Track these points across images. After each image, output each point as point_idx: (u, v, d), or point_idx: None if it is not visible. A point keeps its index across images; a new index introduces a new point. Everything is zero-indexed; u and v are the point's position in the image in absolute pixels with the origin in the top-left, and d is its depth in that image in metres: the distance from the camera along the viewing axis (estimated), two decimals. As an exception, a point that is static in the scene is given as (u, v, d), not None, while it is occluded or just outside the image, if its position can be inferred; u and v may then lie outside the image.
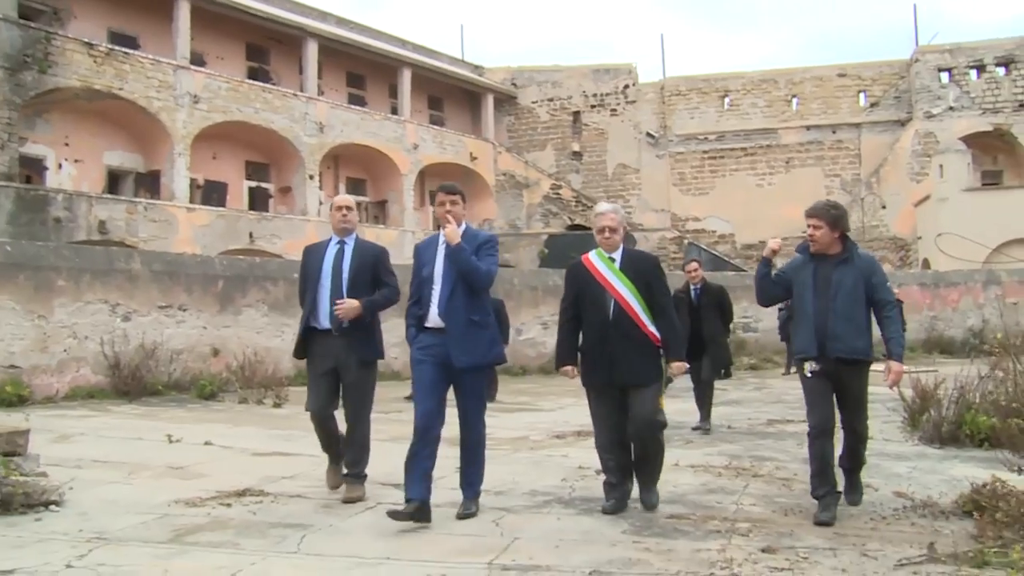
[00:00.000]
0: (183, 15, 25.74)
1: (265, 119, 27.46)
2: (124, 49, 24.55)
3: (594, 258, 5.21)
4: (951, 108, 33.41)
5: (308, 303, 5.62)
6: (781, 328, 17.06)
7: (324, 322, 5.52)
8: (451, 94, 36.69)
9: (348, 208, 5.77)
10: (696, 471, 6.50)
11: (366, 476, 5.57)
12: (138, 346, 11.99)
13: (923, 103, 33.66)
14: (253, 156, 29.03)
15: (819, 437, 5.02)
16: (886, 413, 8.89)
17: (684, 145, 36.60)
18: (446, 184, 5.31)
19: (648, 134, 36.78)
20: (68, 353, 11.62)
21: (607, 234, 5.15)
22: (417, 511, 4.64)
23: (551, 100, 37.51)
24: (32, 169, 23.30)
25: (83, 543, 4.37)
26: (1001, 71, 33.35)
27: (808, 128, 35.56)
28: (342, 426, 5.67)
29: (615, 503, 5.12)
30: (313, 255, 5.75)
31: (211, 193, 27.13)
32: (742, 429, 9.11)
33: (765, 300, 5.48)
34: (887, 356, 5.04)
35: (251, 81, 28.11)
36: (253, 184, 29.14)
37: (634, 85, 37.01)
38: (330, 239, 5.76)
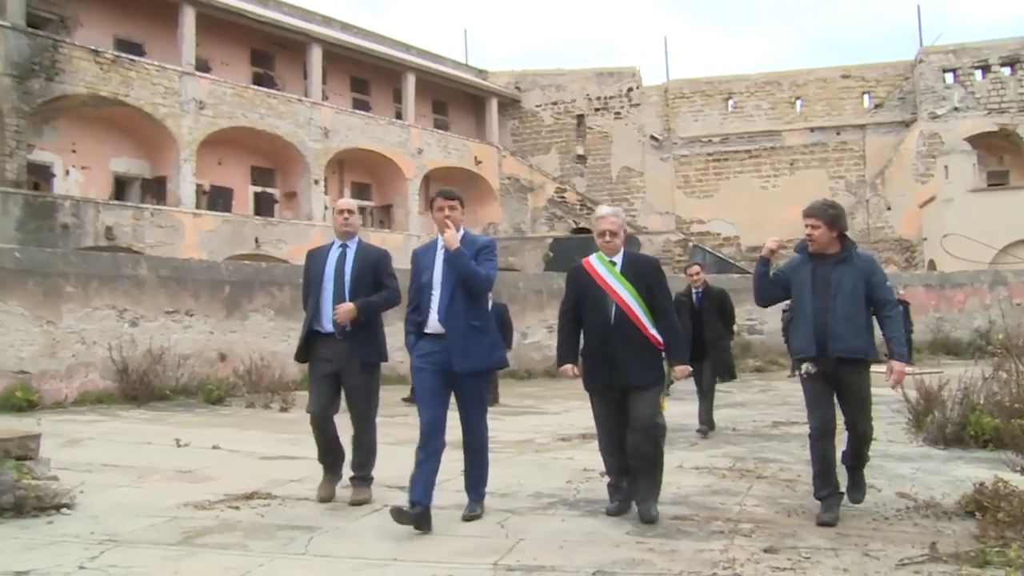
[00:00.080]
0: (188, 22, 25.87)
1: (270, 124, 27.58)
2: (130, 56, 24.69)
3: (595, 262, 5.21)
4: (956, 109, 33.37)
5: (311, 307, 5.65)
6: (785, 330, 17.07)
7: (327, 325, 5.53)
8: (455, 98, 36.78)
9: (350, 211, 5.78)
10: (700, 473, 6.54)
11: (372, 479, 5.63)
12: (146, 351, 12.09)
13: (928, 104, 33.64)
14: (258, 161, 29.14)
15: (820, 439, 5.03)
16: (890, 415, 8.93)
17: (688, 148, 36.63)
18: (444, 189, 5.30)
19: (652, 137, 36.82)
20: (77, 358, 11.72)
21: (608, 238, 5.14)
22: (418, 517, 4.66)
23: (555, 104, 37.57)
24: (40, 176, 23.44)
25: (94, 545, 4.44)
26: (1006, 71, 33.30)
27: (812, 130, 35.56)
28: (343, 436, 5.66)
29: (619, 504, 5.15)
30: (316, 259, 5.77)
31: (217, 199, 27.24)
32: (747, 431, 9.14)
33: (763, 300, 5.43)
34: (888, 356, 5.03)
35: (256, 87, 28.22)
36: (259, 189, 29.24)
37: (638, 88, 37.05)
38: (333, 243, 5.78)
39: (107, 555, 4.27)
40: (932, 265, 29.80)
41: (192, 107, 25.48)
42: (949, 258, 28.18)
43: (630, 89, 37.02)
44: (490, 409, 11.79)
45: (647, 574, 3.99)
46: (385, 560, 4.21)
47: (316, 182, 28.87)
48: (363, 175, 32.60)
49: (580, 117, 37.36)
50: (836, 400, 5.10)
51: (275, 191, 29.60)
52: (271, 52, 30.14)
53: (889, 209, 33.51)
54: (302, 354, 5.71)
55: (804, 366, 5.09)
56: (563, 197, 35.92)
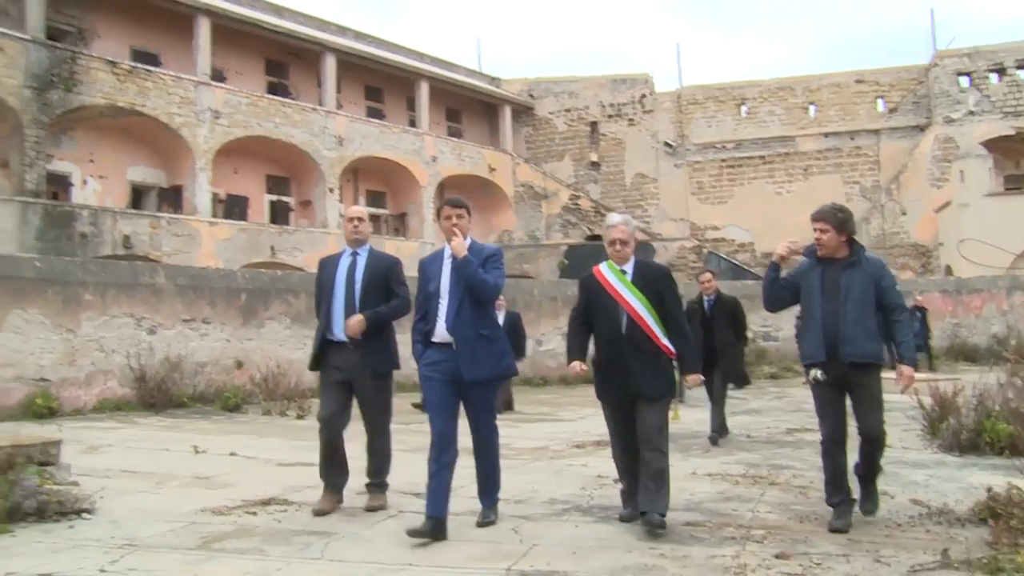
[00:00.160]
0: (203, 32, 26.13)
1: (285, 133, 27.78)
2: (146, 66, 24.98)
3: (605, 270, 5.18)
4: (971, 112, 33.24)
5: (323, 315, 5.65)
6: (798, 336, 17.02)
7: (338, 334, 5.53)
8: (469, 106, 36.92)
9: (360, 219, 5.77)
10: (713, 479, 6.56)
11: (388, 485, 5.67)
12: (163, 359, 12.21)
13: (942, 108, 33.52)
14: (274, 170, 29.36)
15: (831, 446, 5.03)
16: (906, 421, 8.92)
17: (702, 154, 36.63)
18: (451, 198, 5.32)
19: (666, 143, 36.85)
20: (95, 366, 11.84)
21: (618, 247, 5.11)
22: (433, 529, 4.69)
23: (568, 111, 37.66)
24: (58, 186, 23.72)
25: (115, 549, 4.52)
26: (1022, 74, 33.14)
27: (826, 135, 35.51)
28: (357, 444, 5.67)
29: (632, 511, 5.16)
30: (327, 267, 5.77)
31: (233, 207, 27.48)
32: (761, 438, 9.15)
33: (772, 304, 5.39)
34: (898, 360, 5.00)
35: (271, 96, 28.47)
36: (274, 198, 29.46)
37: (651, 94, 37.11)
38: (344, 251, 5.78)
39: (127, 559, 4.34)
40: (949, 270, 29.65)
41: (208, 116, 25.71)
42: (966, 263, 28.01)
43: (643, 96, 37.07)
44: (505, 416, 11.89)
45: (659, 579, 4.02)
46: (400, 565, 4.26)
47: (331, 190, 29.05)
48: (377, 183, 32.77)
49: (593, 124, 37.43)
50: (848, 406, 5.08)
51: (290, 199, 29.80)
52: (286, 61, 30.38)
53: (904, 214, 33.38)
54: (315, 363, 5.70)
55: (813, 372, 5.07)
56: (577, 204, 35.97)
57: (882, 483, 5.50)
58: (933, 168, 33.20)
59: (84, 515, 5.22)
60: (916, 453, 7.72)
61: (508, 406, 12.15)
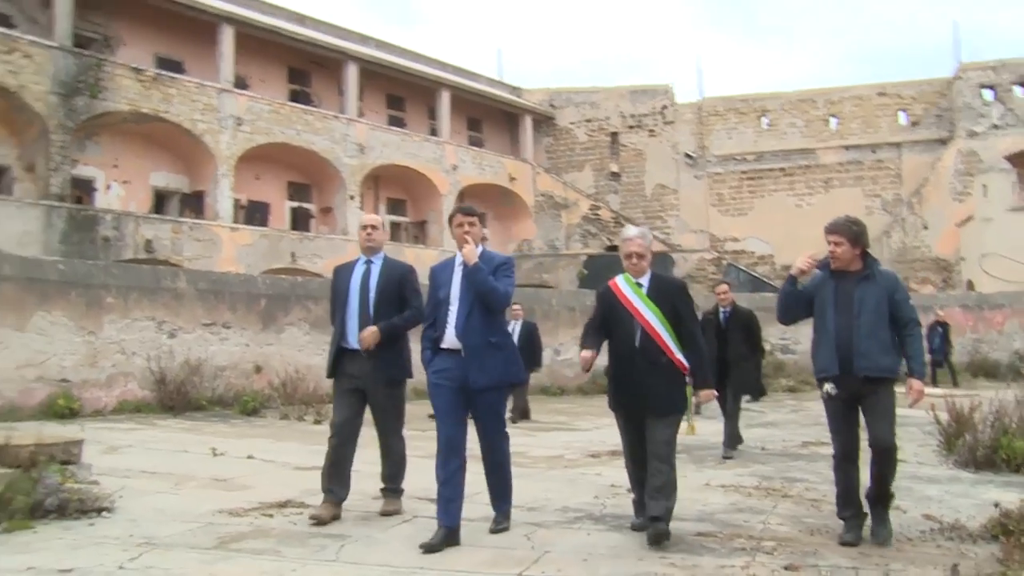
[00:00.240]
0: (227, 40, 26.43)
1: (306, 141, 28.02)
2: (170, 74, 25.32)
3: (621, 283, 5.18)
4: (995, 126, 33.04)
5: (337, 323, 5.69)
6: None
7: (352, 342, 5.56)
8: (490, 115, 37.06)
9: (373, 227, 5.77)
10: (727, 491, 6.58)
11: (403, 491, 5.72)
12: (183, 362, 12.34)
13: (966, 121, 33.33)
14: (295, 177, 29.60)
15: (843, 462, 5.03)
16: (922, 437, 8.89)
17: (722, 165, 36.60)
18: (463, 206, 5.34)
19: (686, 155, 36.83)
20: (116, 368, 11.99)
21: (634, 260, 5.11)
22: (446, 537, 4.73)
23: (589, 121, 37.73)
24: (82, 190, 24.05)
25: (134, 547, 4.61)
26: (1048, 88, 32.94)
27: (847, 148, 35.38)
28: (370, 450, 5.70)
29: (644, 520, 5.17)
30: (341, 275, 5.79)
31: (254, 213, 27.72)
32: (776, 450, 9.13)
33: (787, 317, 5.36)
34: (908, 374, 4.97)
35: (293, 103, 28.74)
36: (295, 204, 29.70)
37: (672, 106, 37.14)
38: (358, 259, 5.79)
39: (145, 557, 4.43)
40: (970, 285, 29.42)
41: (230, 123, 25.98)
42: (987, 278, 27.80)
43: (664, 107, 37.10)
44: (522, 425, 11.94)
45: (669, 588, 4.06)
46: (413, 568, 4.32)
47: (351, 197, 29.25)
48: (398, 191, 32.95)
49: (614, 135, 37.48)
50: (861, 421, 5.06)
51: (311, 206, 30.03)
52: (308, 70, 30.66)
53: (926, 228, 33.17)
54: (332, 371, 5.71)
55: (826, 387, 5.05)
56: (597, 214, 36.00)
57: (895, 498, 5.45)
58: (955, 182, 33.00)
59: (104, 513, 5.32)
60: (931, 468, 7.69)
61: (525, 415, 12.19)
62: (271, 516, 5.47)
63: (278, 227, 28.01)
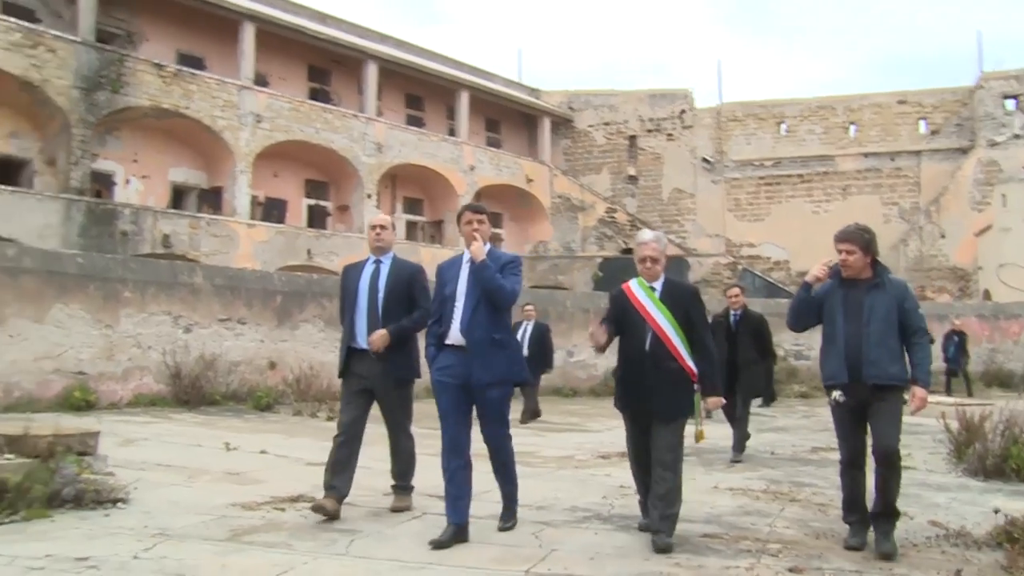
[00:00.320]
0: (248, 37, 26.62)
1: (325, 139, 28.17)
2: (191, 70, 25.51)
3: (635, 287, 5.20)
4: (1016, 136, 32.82)
5: (346, 323, 5.73)
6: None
7: (361, 342, 5.59)
8: (508, 116, 37.13)
9: (382, 227, 5.80)
10: (734, 494, 6.61)
11: (413, 488, 5.79)
12: (198, 357, 12.46)
13: (986, 131, 33.12)
14: (313, 175, 29.75)
15: (850, 468, 5.06)
16: (933, 445, 8.90)
17: (740, 171, 36.52)
18: (472, 204, 5.38)
19: (704, 159, 36.78)
20: (132, 362, 12.13)
21: (648, 264, 5.14)
22: (455, 534, 4.78)
23: (607, 124, 37.73)
24: (102, 184, 24.28)
25: (148, 538, 4.70)
26: (1070, 99, 32.68)
27: (866, 155, 35.23)
28: (378, 448, 5.77)
29: (651, 521, 5.23)
30: (351, 274, 5.84)
31: (271, 210, 27.90)
32: (785, 455, 9.15)
33: (797, 324, 5.34)
34: (912, 381, 4.97)
35: (312, 102, 28.88)
36: (312, 202, 29.85)
37: (690, 110, 37.08)
38: (368, 258, 5.83)
39: (159, 547, 4.52)
40: (987, 295, 29.26)
41: (250, 120, 26.16)
42: (1004, 288, 27.64)
43: (682, 111, 37.06)
44: (532, 425, 11.96)
45: (673, 588, 4.10)
46: (422, 564, 4.38)
47: (369, 196, 29.37)
48: (415, 190, 33.06)
49: (632, 138, 37.46)
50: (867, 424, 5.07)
51: (328, 204, 30.17)
52: (328, 68, 30.81)
53: (943, 237, 33.00)
54: (344, 370, 5.75)
55: (834, 394, 5.05)
56: (613, 217, 36.00)
57: (902, 504, 5.40)
58: (975, 191, 32.82)
59: (119, 504, 5.42)
60: (940, 476, 7.69)
61: (535, 415, 12.23)
62: (283, 510, 5.55)
63: (295, 224, 28.17)
